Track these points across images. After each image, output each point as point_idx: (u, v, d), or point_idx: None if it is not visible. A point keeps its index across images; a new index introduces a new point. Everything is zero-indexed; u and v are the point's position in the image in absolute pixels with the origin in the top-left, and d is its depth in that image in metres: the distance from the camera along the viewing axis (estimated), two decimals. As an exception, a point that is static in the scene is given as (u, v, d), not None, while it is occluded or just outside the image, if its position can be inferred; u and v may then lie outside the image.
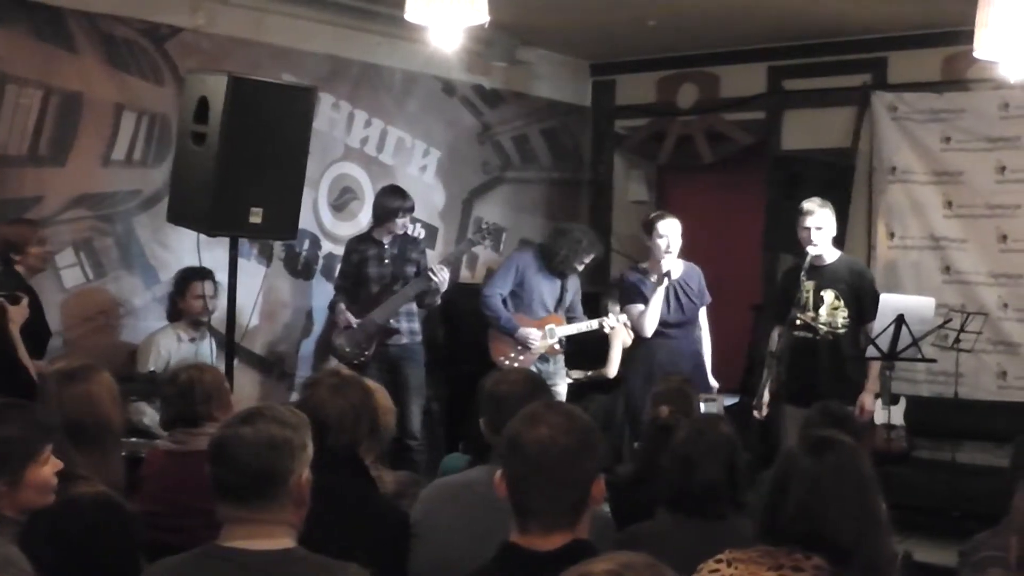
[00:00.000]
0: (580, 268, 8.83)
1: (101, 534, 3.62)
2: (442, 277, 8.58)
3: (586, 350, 9.29)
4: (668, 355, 8.15)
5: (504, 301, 8.70)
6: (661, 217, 8.22)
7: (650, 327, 8.15)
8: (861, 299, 7.63)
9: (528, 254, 8.95)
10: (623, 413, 8.53)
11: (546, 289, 8.79)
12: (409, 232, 9.12)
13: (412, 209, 8.80)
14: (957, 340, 8.73)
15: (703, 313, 8.37)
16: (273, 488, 3.03)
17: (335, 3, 9.16)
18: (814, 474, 2.97)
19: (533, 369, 8.37)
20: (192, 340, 7.89)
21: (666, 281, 8.05)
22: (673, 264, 8.16)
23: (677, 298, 8.17)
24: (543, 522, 2.93)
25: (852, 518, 2.92)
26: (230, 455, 3.04)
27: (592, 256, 8.84)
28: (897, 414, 9.06)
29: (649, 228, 8.22)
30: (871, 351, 7.42)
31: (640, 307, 8.17)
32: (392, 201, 8.68)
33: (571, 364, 9.22)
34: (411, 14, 5.64)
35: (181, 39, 8.42)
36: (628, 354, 8.60)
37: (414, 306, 8.77)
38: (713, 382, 8.31)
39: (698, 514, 4.11)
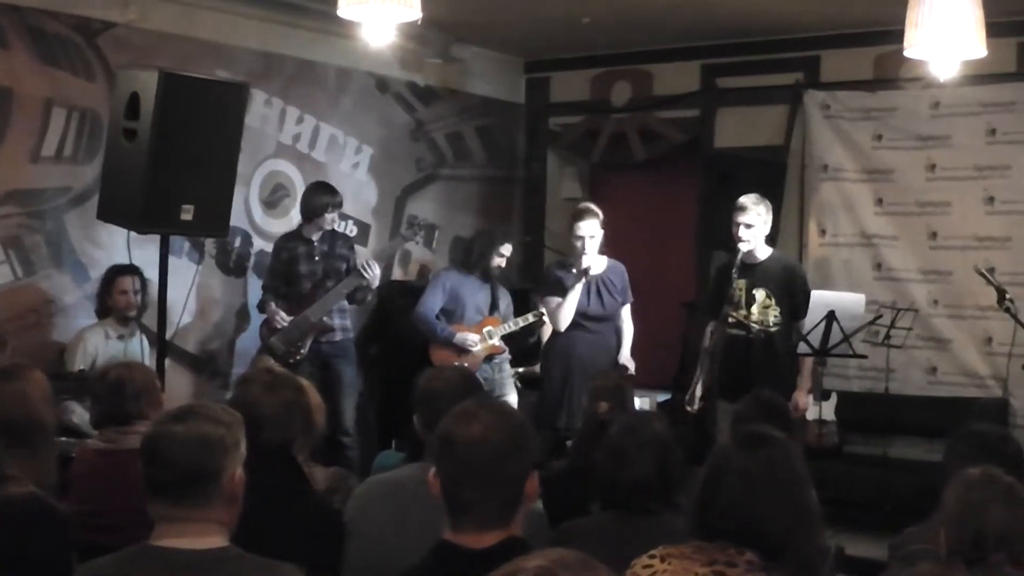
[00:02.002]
0: (502, 262, 8.77)
1: (33, 535, 3.58)
2: (374, 273, 8.55)
3: (521, 348, 9.29)
4: (587, 348, 8.13)
5: (437, 317, 8.69)
6: (580, 217, 8.20)
7: (564, 321, 8.13)
8: (793, 297, 7.66)
9: (452, 270, 9.04)
10: (539, 404, 8.46)
11: (479, 298, 8.79)
12: (338, 229, 9.09)
13: (340, 204, 8.75)
14: (888, 336, 8.79)
15: (627, 311, 8.36)
16: (206, 486, 3.00)
17: (268, -1, 9.13)
18: (745, 469, 2.97)
19: (481, 378, 8.41)
20: (120, 337, 7.83)
21: (584, 278, 8.03)
22: (596, 260, 8.16)
23: (599, 293, 8.15)
24: (476, 520, 2.93)
25: (783, 513, 2.92)
26: (162, 453, 3.01)
27: (508, 245, 8.83)
28: (828, 410, 9.13)
29: (572, 225, 8.23)
30: (803, 347, 7.46)
31: (557, 300, 8.16)
32: (320, 197, 8.63)
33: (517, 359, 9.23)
34: (344, 10, 5.63)
35: (113, 34, 8.36)
36: (547, 345, 8.55)
37: (345, 303, 8.74)
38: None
39: (629, 509, 4.12)
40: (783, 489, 2.94)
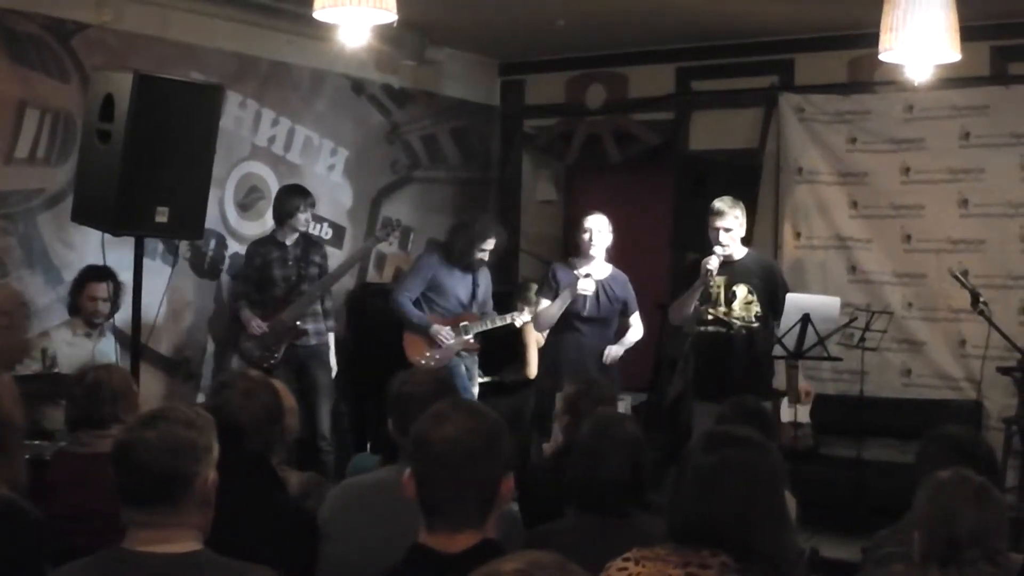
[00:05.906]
0: (484, 256, 8.78)
1: (4, 538, 3.55)
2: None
3: (502, 351, 9.29)
4: (575, 350, 8.17)
5: (418, 303, 8.68)
6: (590, 212, 8.29)
7: (544, 325, 8.17)
8: (773, 293, 7.71)
9: (434, 256, 8.94)
10: (532, 410, 8.49)
11: (460, 286, 8.79)
12: (312, 231, 9.08)
13: (313, 205, 8.75)
14: (862, 339, 8.80)
15: (636, 318, 8.42)
16: (177, 491, 2.99)
17: (242, 0, 9.08)
18: (705, 470, 2.94)
19: (462, 366, 8.48)
20: (88, 335, 7.75)
21: (577, 291, 8.03)
22: (600, 267, 8.19)
23: (597, 297, 8.18)
24: (450, 522, 2.93)
25: (749, 514, 2.89)
26: (133, 459, 2.99)
27: (491, 240, 8.78)
28: (803, 412, 9.13)
29: (579, 224, 8.31)
30: (777, 350, 7.48)
31: (547, 302, 8.20)
32: (292, 198, 8.63)
33: (486, 366, 9.22)
34: (320, 12, 5.62)
35: (87, 35, 8.32)
36: (541, 350, 8.59)
37: (319, 307, 8.74)
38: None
39: (603, 511, 4.11)
40: (746, 490, 2.91)
